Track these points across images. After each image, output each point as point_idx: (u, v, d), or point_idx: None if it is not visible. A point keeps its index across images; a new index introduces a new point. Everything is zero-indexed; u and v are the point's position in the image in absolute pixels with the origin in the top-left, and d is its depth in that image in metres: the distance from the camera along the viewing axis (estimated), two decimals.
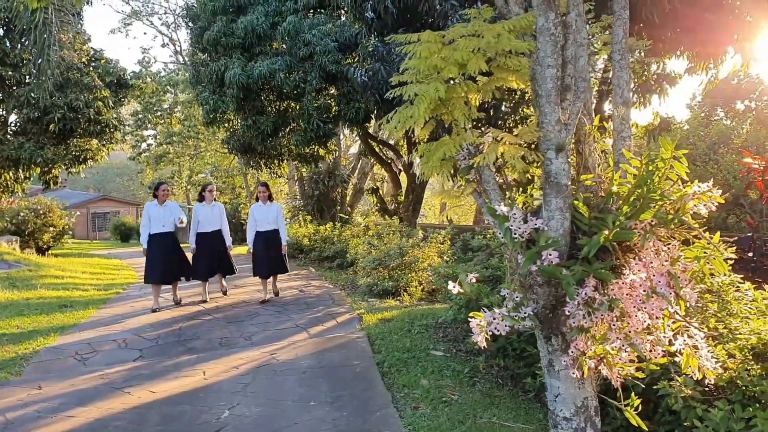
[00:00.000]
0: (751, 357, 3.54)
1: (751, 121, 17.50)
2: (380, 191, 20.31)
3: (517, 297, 2.90)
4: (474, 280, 2.92)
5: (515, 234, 2.86)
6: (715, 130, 13.53)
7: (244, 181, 34.19)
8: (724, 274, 3.13)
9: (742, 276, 4.74)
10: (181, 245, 9.67)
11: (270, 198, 9.66)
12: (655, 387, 3.55)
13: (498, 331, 2.78)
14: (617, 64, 3.41)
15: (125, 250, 24.99)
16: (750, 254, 8.95)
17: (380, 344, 6.67)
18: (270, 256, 9.48)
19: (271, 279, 9.92)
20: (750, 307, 4.26)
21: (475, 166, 3.02)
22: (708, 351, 2.91)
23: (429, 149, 3.23)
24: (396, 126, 3.13)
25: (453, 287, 2.96)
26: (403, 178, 18.70)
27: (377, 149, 18.61)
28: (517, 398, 5.05)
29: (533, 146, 3.14)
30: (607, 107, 10.21)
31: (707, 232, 2.97)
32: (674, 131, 13.14)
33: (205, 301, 9.60)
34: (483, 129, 3.16)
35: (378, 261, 10.71)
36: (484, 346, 2.94)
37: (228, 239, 9.72)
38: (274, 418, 4.67)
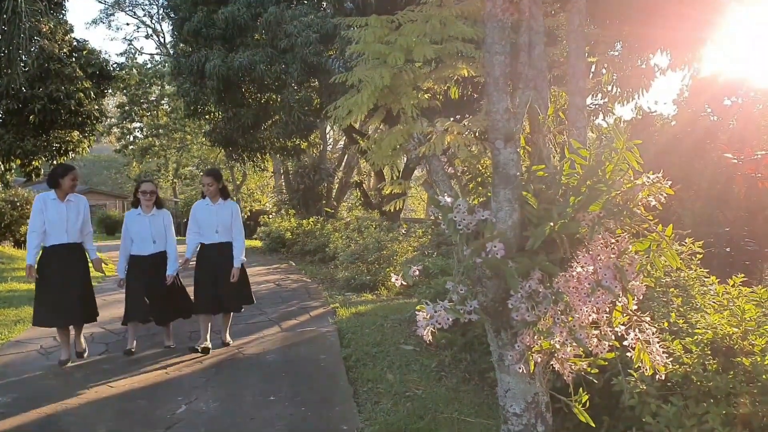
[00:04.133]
0: (709, 352, 3.49)
1: (737, 117, 17.47)
2: (364, 185, 20.23)
3: (462, 290, 2.82)
4: (417, 273, 2.84)
5: (460, 225, 2.77)
6: (701, 126, 13.48)
7: (230, 174, 34.02)
8: (678, 268, 3.05)
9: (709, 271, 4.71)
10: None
11: (223, 194, 6.47)
12: (612, 383, 3.49)
13: (440, 324, 2.70)
14: (573, 52, 3.32)
15: (108, 243, 24.77)
16: (728, 249, 8.93)
17: (350, 338, 6.61)
18: (218, 282, 6.29)
19: (221, 317, 6.68)
20: (714, 302, 4.21)
21: (421, 155, 2.93)
22: (659, 346, 2.84)
23: (379, 139, 3.15)
24: (343, 114, 3.05)
25: (395, 279, 2.88)
26: (387, 172, 18.63)
27: (362, 142, 18.51)
28: (481, 393, 4.98)
29: (484, 136, 3.06)
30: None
31: (693, 228, 2.91)
32: (661, 127, 13.10)
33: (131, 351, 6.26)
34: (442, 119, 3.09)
35: (356, 255, 10.65)
36: (429, 340, 2.86)
37: (173, 266, 6.32)
38: (230, 414, 4.58)
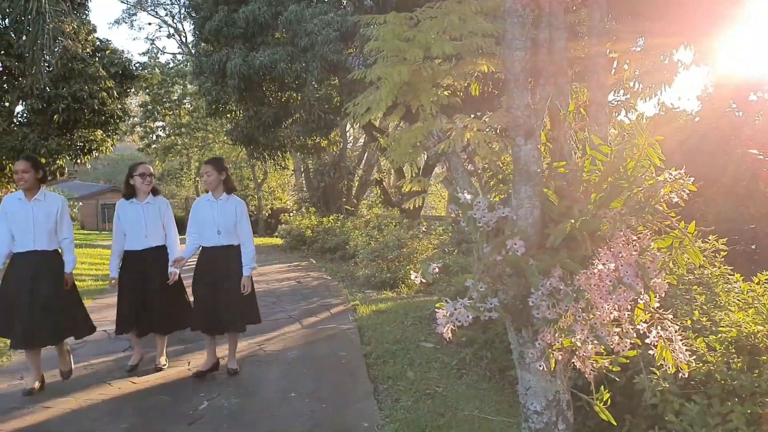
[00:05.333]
0: (733, 350, 3.44)
1: (763, 113, 17.21)
2: (384, 183, 20.23)
3: (482, 287, 2.81)
4: (437, 271, 2.83)
5: (480, 223, 2.76)
6: (726, 121, 13.30)
7: (252, 172, 34.20)
8: (701, 265, 3.02)
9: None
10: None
11: (227, 187, 5.49)
12: (634, 381, 3.46)
13: (460, 322, 2.70)
14: (594, 47, 3.30)
15: None
16: (752, 246, 8.81)
17: (370, 336, 6.62)
18: (219, 296, 5.33)
19: (227, 338, 5.63)
20: (738, 300, 4.16)
21: (440, 152, 2.92)
22: (682, 344, 2.81)
23: (398, 136, 3.15)
24: (362, 111, 3.05)
25: (415, 277, 2.87)
26: (407, 169, 18.61)
27: (381, 140, 18.52)
28: (502, 391, 4.97)
29: (505, 133, 3.05)
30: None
31: (717, 225, 2.88)
32: (684, 123, 12.95)
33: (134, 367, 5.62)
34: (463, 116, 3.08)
35: (376, 252, 10.65)
36: (450, 338, 2.85)
37: (175, 254, 5.54)
38: (250, 410, 4.61)
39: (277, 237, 22.27)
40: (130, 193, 5.58)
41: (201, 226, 5.49)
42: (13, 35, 16.79)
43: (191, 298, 5.61)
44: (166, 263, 5.52)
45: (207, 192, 5.62)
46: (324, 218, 17.05)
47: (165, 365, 5.66)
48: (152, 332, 5.62)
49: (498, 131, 3.47)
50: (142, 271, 5.49)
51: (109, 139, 19.83)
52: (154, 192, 5.68)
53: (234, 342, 5.59)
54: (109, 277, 5.71)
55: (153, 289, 5.45)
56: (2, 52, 17.34)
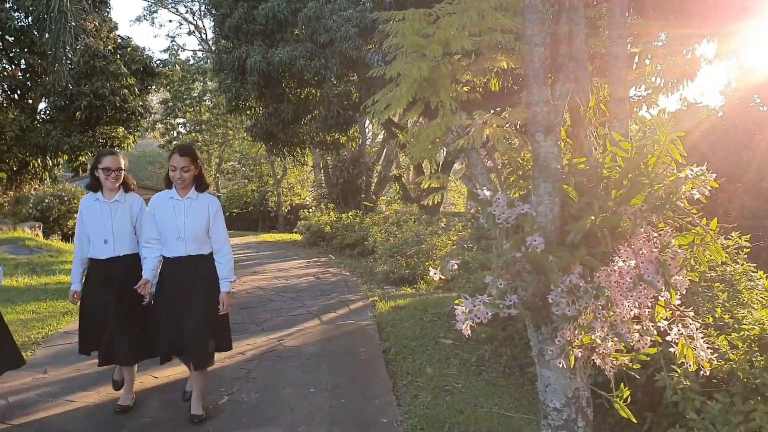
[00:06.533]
0: (756, 348, 3.41)
1: None
2: (403, 179, 20.22)
3: (501, 284, 2.80)
4: (455, 267, 2.83)
5: (499, 219, 2.76)
6: (749, 116, 13.13)
7: (271, 168, 34.33)
8: (723, 262, 2.99)
9: None
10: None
11: (199, 184, 4.45)
12: (655, 378, 3.44)
13: (479, 318, 2.69)
14: (614, 42, 3.27)
15: None
16: None
17: (389, 332, 6.62)
18: (185, 319, 4.31)
19: (192, 373, 4.67)
20: (761, 297, 4.11)
21: (459, 149, 2.92)
22: (704, 341, 2.79)
23: (417, 132, 3.15)
24: (381, 108, 3.05)
25: (434, 273, 2.87)
26: (426, 165, 18.58)
27: (400, 136, 18.49)
28: (522, 388, 4.96)
29: (525, 129, 3.04)
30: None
31: (740, 221, 2.85)
32: (707, 118, 12.81)
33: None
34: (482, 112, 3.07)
35: (395, 249, 10.66)
36: (469, 335, 2.85)
37: (149, 270, 4.41)
38: (270, 405, 4.65)
39: (296, 233, 22.37)
40: (95, 186, 4.51)
41: (162, 232, 4.39)
42: (35, 33, 17.03)
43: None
44: (136, 278, 4.39)
45: (171, 188, 4.43)
46: (343, 214, 17.08)
47: (130, 405, 4.60)
48: (113, 363, 4.62)
49: (517, 127, 3.46)
50: (105, 285, 4.45)
51: (130, 136, 20.07)
52: (126, 187, 4.61)
53: (200, 380, 4.45)
54: (70, 291, 4.64)
55: (114, 313, 4.39)
56: (25, 50, 17.63)
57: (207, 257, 4.42)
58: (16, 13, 17.18)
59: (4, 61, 18.11)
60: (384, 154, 23.65)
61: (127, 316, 4.42)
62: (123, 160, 4.59)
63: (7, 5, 16.94)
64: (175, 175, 4.32)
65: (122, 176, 4.53)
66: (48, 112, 19.20)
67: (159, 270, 4.48)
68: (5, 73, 18.54)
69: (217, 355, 4.61)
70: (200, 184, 4.44)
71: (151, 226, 4.43)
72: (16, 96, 19.05)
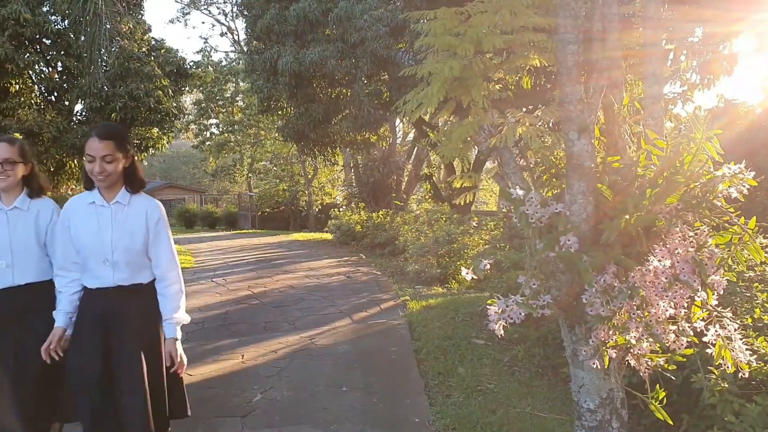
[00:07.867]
0: None
1: None
2: (434, 178, 20.17)
3: (534, 284, 2.78)
4: (488, 266, 2.82)
5: (532, 219, 2.74)
6: None
7: (302, 168, 34.53)
8: (762, 262, 2.93)
9: None
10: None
11: (130, 182, 3.09)
12: (691, 380, 3.38)
13: (512, 319, 2.68)
14: (649, 39, 3.22)
15: (188, 236, 25.63)
16: None
17: (421, 331, 6.62)
18: (115, 373, 2.93)
19: None
20: None
21: (492, 147, 2.91)
22: (743, 342, 2.74)
23: (448, 131, 3.15)
24: (413, 107, 3.05)
25: (466, 273, 2.86)
26: (457, 164, 18.51)
27: (431, 135, 18.47)
28: (555, 388, 4.92)
29: (558, 127, 3.01)
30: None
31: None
32: (745, 115, 12.56)
33: None
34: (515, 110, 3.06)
35: (426, 248, 10.64)
36: (501, 335, 2.84)
37: (61, 314, 3.04)
38: (303, 403, 4.68)
39: (326, 232, 22.47)
40: None
41: (81, 252, 3.03)
42: (72, 36, 17.39)
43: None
44: (43, 315, 3.10)
45: (93, 188, 3.07)
46: (373, 213, 17.09)
47: None
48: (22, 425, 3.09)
49: (550, 126, 3.43)
50: (8, 322, 3.14)
51: (164, 137, 20.38)
52: (34, 190, 3.32)
53: None
54: None
55: (12, 363, 3.09)
56: (62, 52, 18.04)
57: (147, 287, 3.12)
58: (53, 17, 17.61)
59: (41, 63, 18.54)
60: (415, 153, 23.62)
61: (26, 369, 3.07)
62: (13, 147, 3.20)
63: (44, 9, 17.35)
64: (94, 167, 2.93)
65: (17, 171, 3.20)
66: (84, 113, 19.59)
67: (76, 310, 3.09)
68: (43, 75, 18.99)
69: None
70: (132, 182, 3.10)
71: (67, 243, 3.07)
72: (53, 98, 19.52)
